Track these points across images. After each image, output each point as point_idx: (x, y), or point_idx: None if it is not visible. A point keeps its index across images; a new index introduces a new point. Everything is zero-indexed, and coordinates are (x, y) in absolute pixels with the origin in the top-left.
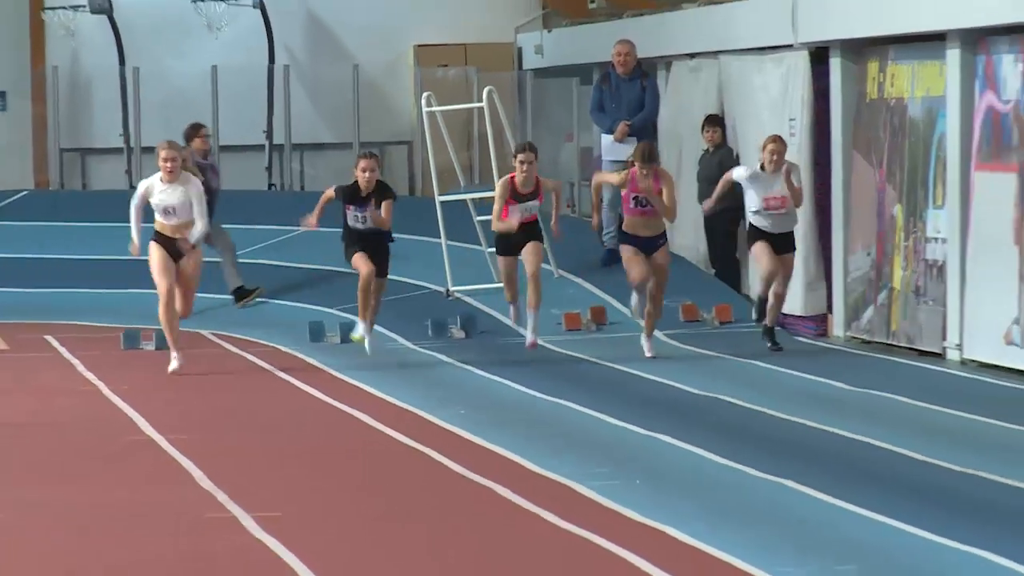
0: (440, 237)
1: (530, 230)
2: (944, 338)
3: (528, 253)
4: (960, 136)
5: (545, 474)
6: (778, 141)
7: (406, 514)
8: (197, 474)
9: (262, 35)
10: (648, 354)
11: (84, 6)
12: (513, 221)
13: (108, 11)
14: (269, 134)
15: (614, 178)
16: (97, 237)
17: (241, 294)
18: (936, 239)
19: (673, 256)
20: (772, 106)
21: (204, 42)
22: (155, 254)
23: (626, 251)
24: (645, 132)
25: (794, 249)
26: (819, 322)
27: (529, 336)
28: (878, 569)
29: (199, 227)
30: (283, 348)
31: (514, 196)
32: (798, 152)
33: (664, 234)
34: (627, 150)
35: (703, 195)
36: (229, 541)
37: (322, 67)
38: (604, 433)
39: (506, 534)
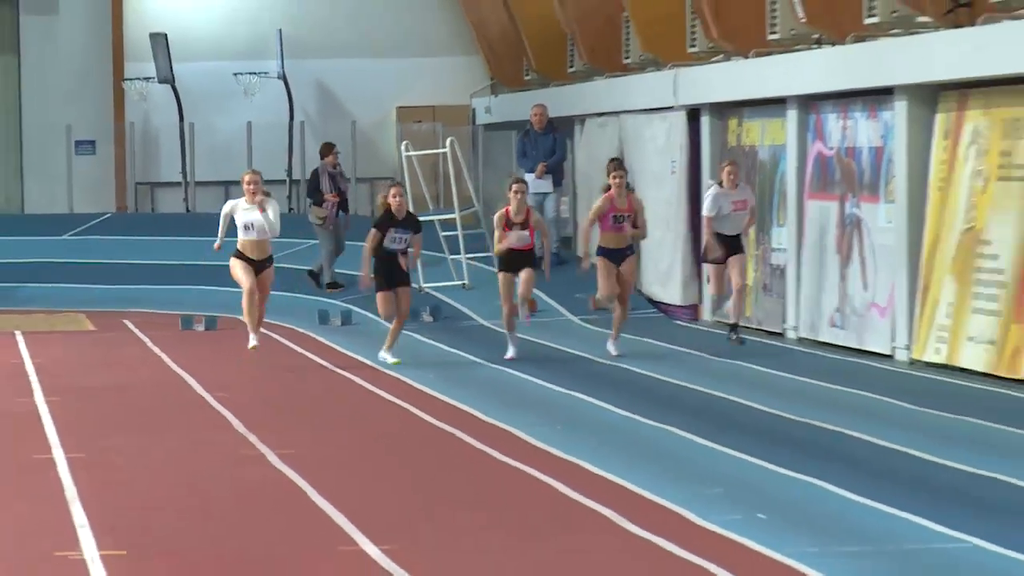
0: (418, 276)
1: (527, 258)
2: (784, 321)
3: (522, 280)
4: (796, 173)
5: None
6: (733, 163)
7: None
8: (235, 422)
9: (284, 99)
10: (614, 353)
11: (153, 77)
12: (512, 240)
13: (171, 81)
14: (289, 172)
15: (596, 205)
16: (162, 247)
17: (331, 285)
18: (779, 249)
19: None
20: (659, 152)
21: (242, 104)
22: (238, 264)
23: (602, 264)
24: (557, 171)
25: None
26: (692, 310)
27: (511, 351)
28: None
29: (276, 229)
30: (299, 329)
31: (508, 224)
32: (678, 187)
33: (631, 247)
34: (545, 185)
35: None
36: (257, 472)
37: (329, 123)
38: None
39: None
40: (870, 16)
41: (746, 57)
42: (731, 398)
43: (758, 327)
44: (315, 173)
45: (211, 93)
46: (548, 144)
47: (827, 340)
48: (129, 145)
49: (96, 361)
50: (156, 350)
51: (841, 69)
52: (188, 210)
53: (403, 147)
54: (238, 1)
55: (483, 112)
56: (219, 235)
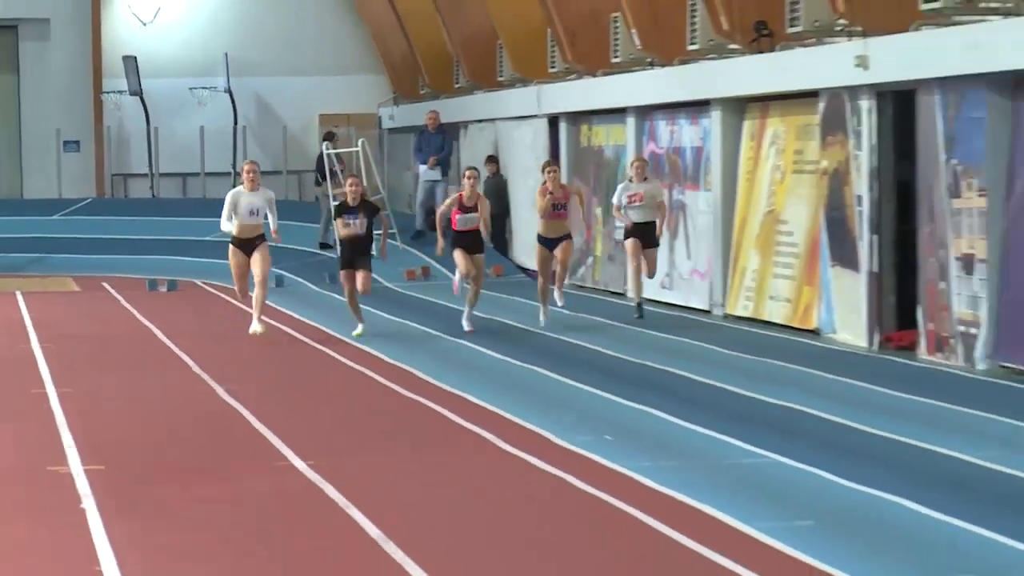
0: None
1: (475, 239)
2: (624, 284)
3: (474, 258)
4: (630, 153)
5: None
6: (640, 160)
7: (314, 383)
8: (191, 364)
9: (230, 109)
10: (560, 303)
11: (125, 91)
12: (461, 223)
13: (139, 94)
14: (233, 166)
15: (538, 198)
16: (132, 225)
17: (323, 245)
18: (618, 227)
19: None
20: (526, 151)
21: (196, 112)
22: (233, 259)
23: (540, 252)
24: (445, 163)
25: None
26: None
27: (467, 325)
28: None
29: (272, 221)
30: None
31: (461, 207)
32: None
33: (569, 235)
34: (436, 174)
35: (493, 202)
36: (209, 403)
37: (265, 128)
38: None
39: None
40: (692, 44)
41: (594, 76)
42: (583, 344)
43: (604, 288)
44: (320, 157)
45: (171, 103)
46: (438, 142)
47: (659, 299)
48: (106, 144)
49: (81, 315)
50: (128, 307)
51: (669, 85)
52: (153, 195)
53: (324, 147)
54: (192, 30)
55: (388, 119)
56: (227, 225)
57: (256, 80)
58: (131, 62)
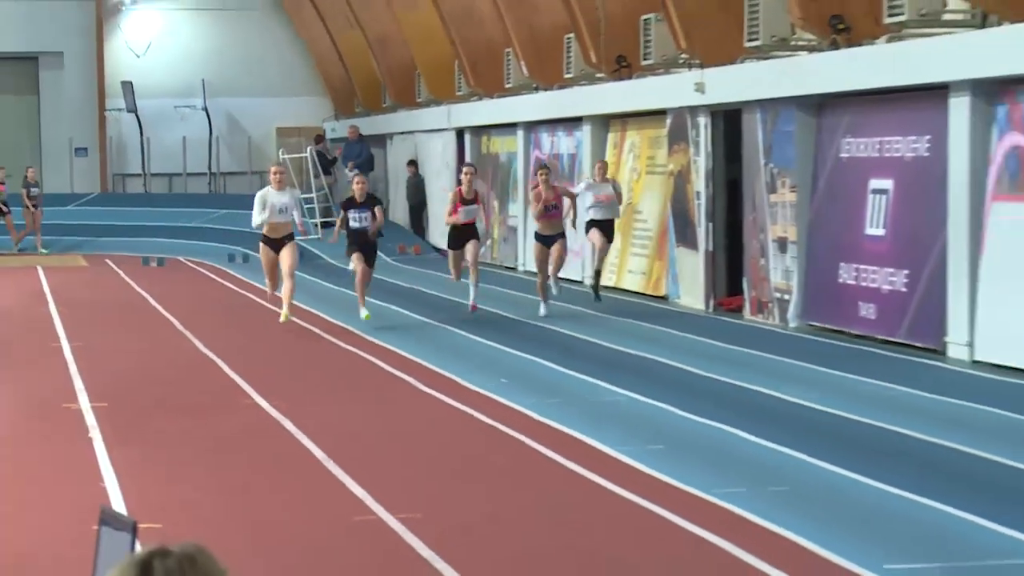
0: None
1: (471, 230)
2: (516, 260)
3: (470, 247)
4: (524, 168)
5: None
6: (602, 163)
7: (272, 338)
8: (175, 323)
9: (206, 123)
10: (555, 291)
11: (123, 108)
12: (460, 218)
13: (135, 111)
14: (209, 167)
15: (532, 201)
16: (128, 214)
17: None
18: (513, 216)
19: (393, 224)
20: (438, 157)
21: (179, 125)
22: (264, 255)
23: (536, 248)
24: (363, 166)
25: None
26: None
27: (471, 301)
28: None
29: (297, 217)
30: (214, 264)
31: (461, 201)
32: (451, 178)
33: (563, 233)
34: (354, 174)
35: (410, 198)
36: (189, 353)
37: (233, 137)
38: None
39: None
40: (567, 73)
41: (492, 98)
42: (491, 309)
43: (500, 264)
44: (320, 154)
45: (160, 118)
46: (357, 150)
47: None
48: (109, 150)
49: (88, 285)
50: (126, 278)
51: (550, 105)
52: (146, 191)
53: (280, 153)
54: (176, 61)
55: (330, 131)
56: (256, 214)
57: (226, 100)
58: (128, 86)
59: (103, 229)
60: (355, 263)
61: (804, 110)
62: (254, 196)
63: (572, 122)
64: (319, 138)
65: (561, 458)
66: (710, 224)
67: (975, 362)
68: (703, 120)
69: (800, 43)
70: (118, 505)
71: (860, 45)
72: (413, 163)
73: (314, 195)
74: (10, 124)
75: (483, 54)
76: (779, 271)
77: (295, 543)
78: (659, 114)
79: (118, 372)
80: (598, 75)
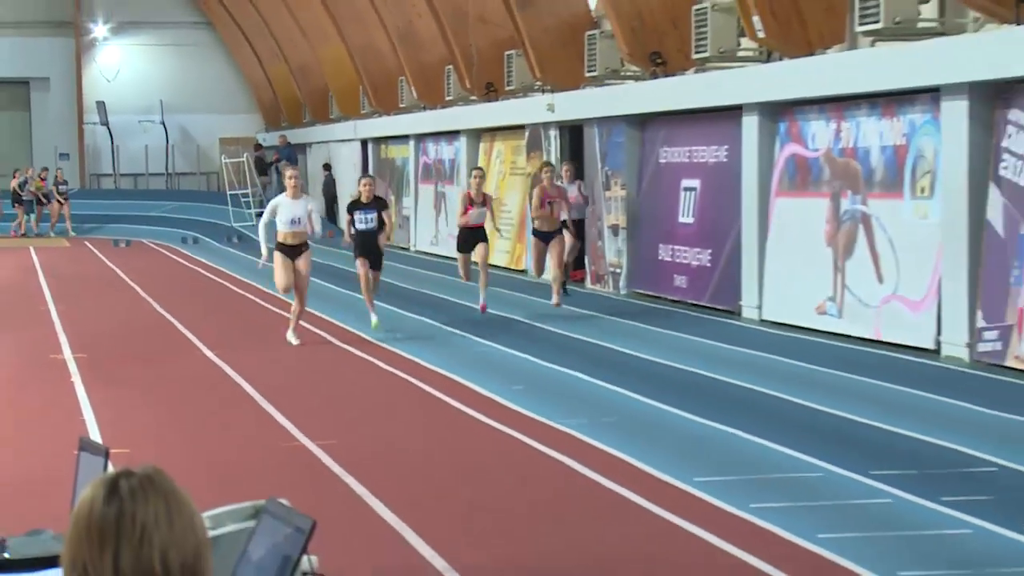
0: (230, 220)
1: (480, 233)
2: (408, 243)
3: (479, 249)
4: (414, 171)
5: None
6: (569, 164)
7: (218, 301)
8: (139, 291)
9: (163, 134)
10: (555, 304)
11: (98, 122)
12: (470, 220)
13: (107, 125)
14: (166, 171)
15: (534, 194)
16: (102, 206)
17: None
18: (407, 208)
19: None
20: (348, 163)
21: (142, 136)
22: (280, 262)
23: (535, 243)
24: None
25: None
26: None
27: (481, 302)
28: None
29: (317, 228)
30: (171, 245)
31: (471, 203)
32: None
33: (560, 228)
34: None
35: (324, 193)
36: (149, 315)
37: (186, 147)
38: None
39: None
40: (448, 96)
41: (388, 115)
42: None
43: (396, 245)
44: (259, 159)
45: (127, 131)
46: (288, 153)
47: (442, 253)
48: (87, 155)
49: (71, 262)
50: (101, 256)
51: (434, 121)
52: (116, 187)
53: (223, 159)
54: (139, 84)
55: (262, 140)
56: (263, 244)
57: (180, 116)
58: (101, 105)
59: (82, 218)
60: (359, 266)
61: (631, 126)
62: (205, 192)
63: (452, 134)
64: (258, 146)
65: (447, 397)
66: None
67: (763, 320)
68: (553, 133)
69: (628, 73)
70: (95, 435)
71: (674, 75)
72: (327, 166)
73: (249, 191)
74: (6, 135)
75: (382, 81)
76: (612, 250)
77: (237, 463)
78: (519, 128)
79: (94, 330)
80: (472, 98)
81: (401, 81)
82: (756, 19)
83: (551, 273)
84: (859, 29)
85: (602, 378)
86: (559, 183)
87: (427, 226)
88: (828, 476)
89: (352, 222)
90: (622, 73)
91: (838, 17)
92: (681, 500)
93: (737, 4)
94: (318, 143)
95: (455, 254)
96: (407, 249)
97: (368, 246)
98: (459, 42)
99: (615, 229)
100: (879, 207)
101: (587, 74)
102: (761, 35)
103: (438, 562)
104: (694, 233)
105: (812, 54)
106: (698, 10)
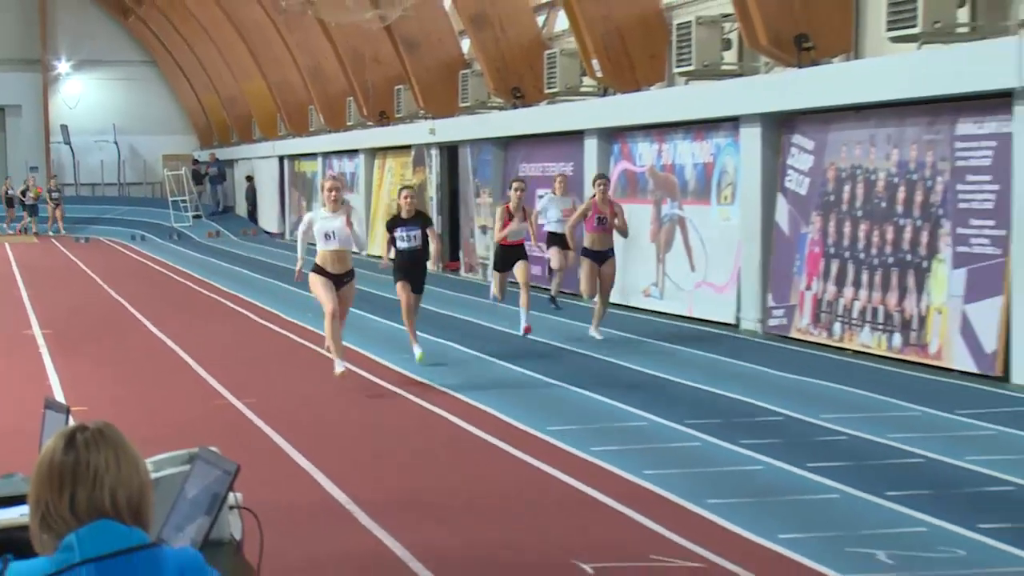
0: (171, 221)
1: (520, 251)
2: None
3: (519, 268)
4: (320, 176)
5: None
6: (562, 176)
7: (157, 284)
8: (96, 278)
9: (116, 152)
10: (598, 338)
11: (61, 141)
12: (510, 235)
13: (69, 144)
14: (118, 181)
15: (580, 211)
16: (66, 210)
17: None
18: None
19: (238, 216)
20: (268, 175)
21: (98, 153)
22: (318, 281)
23: (585, 264)
24: (219, 177)
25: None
26: (279, 235)
27: (524, 323)
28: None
29: (359, 240)
30: (121, 240)
31: (510, 216)
32: (279, 192)
33: (612, 249)
34: (216, 183)
35: (247, 201)
36: (103, 299)
37: (135, 162)
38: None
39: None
40: (349, 121)
41: (301, 136)
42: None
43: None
44: (195, 172)
45: (85, 149)
46: (217, 167)
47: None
48: (53, 168)
49: (40, 255)
50: (65, 251)
51: (337, 142)
52: (76, 195)
53: (165, 172)
54: (96, 110)
55: (198, 155)
56: (299, 257)
57: (129, 137)
58: (65, 128)
59: (46, 220)
60: (400, 291)
61: (496, 146)
62: (150, 198)
63: (352, 152)
64: (195, 161)
65: (354, 367)
66: (440, 218)
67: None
68: (434, 152)
69: (493, 104)
70: (58, 395)
71: (530, 106)
72: (250, 178)
73: (187, 197)
74: None
75: (295, 109)
76: (481, 245)
77: (175, 418)
78: (407, 148)
79: (59, 310)
80: (368, 123)
81: (311, 109)
82: (595, 62)
83: (585, 292)
84: (676, 71)
85: (468, 345)
86: (560, 195)
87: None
88: (652, 425)
89: (392, 241)
90: (489, 104)
91: (660, 61)
92: (536, 444)
93: (580, 50)
94: (243, 159)
95: (491, 273)
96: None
97: (410, 268)
98: (357, 78)
99: (483, 229)
100: (692, 211)
101: (461, 104)
102: (599, 75)
103: (341, 496)
104: (547, 233)
105: (639, 90)
106: (549, 54)
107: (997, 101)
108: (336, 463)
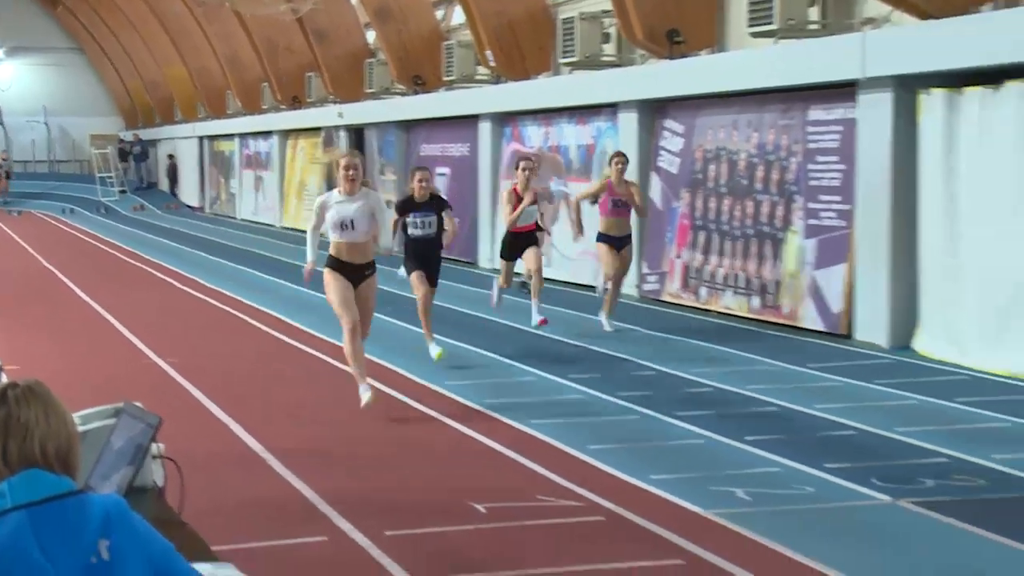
0: (99, 196)
1: (531, 238)
2: (234, 211)
3: (529, 255)
4: (239, 161)
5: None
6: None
7: (98, 263)
8: (31, 251)
9: (46, 131)
10: (607, 329)
11: None
12: (517, 220)
13: (2, 124)
14: (49, 157)
15: (593, 188)
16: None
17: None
18: (236, 189)
19: (160, 190)
20: (188, 154)
21: (31, 132)
22: (333, 284)
23: (602, 248)
24: (141, 155)
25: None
26: (200, 209)
27: (537, 317)
28: None
29: (381, 238)
30: (53, 214)
31: (519, 199)
32: (202, 173)
33: (630, 235)
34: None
35: (168, 177)
36: (42, 273)
37: (64, 140)
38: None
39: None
40: (264, 104)
41: (219, 119)
42: (230, 244)
43: (226, 216)
44: (120, 150)
45: (18, 128)
46: (141, 146)
47: (262, 220)
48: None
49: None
50: (26, 246)
51: (253, 124)
52: (8, 175)
53: (92, 150)
54: (28, 93)
55: (123, 136)
56: (309, 253)
57: (59, 118)
58: None
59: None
60: (416, 284)
61: (399, 128)
62: (79, 175)
63: (266, 134)
64: (120, 140)
65: (264, 327)
66: None
67: (494, 269)
68: (343, 133)
69: (396, 91)
70: None
71: (430, 92)
72: (172, 156)
73: (113, 174)
74: None
75: (214, 93)
76: (388, 219)
77: (102, 376)
78: (317, 130)
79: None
80: (281, 107)
81: (228, 94)
82: (488, 53)
83: (604, 279)
84: (562, 61)
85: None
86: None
87: (249, 200)
88: (539, 380)
89: (404, 227)
90: (392, 90)
91: (546, 52)
92: (435, 398)
93: (475, 42)
94: (166, 139)
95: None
96: (233, 217)
97: (426, 257)
98: (271, 65)
99: (389, 203)
100: (576, 187)
101: (367, 90)
102: (492, 64)
103: (256, 446)
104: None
105: (528, 78)
106: (447, 45)
107: (843, 90)
108: (252, 417)
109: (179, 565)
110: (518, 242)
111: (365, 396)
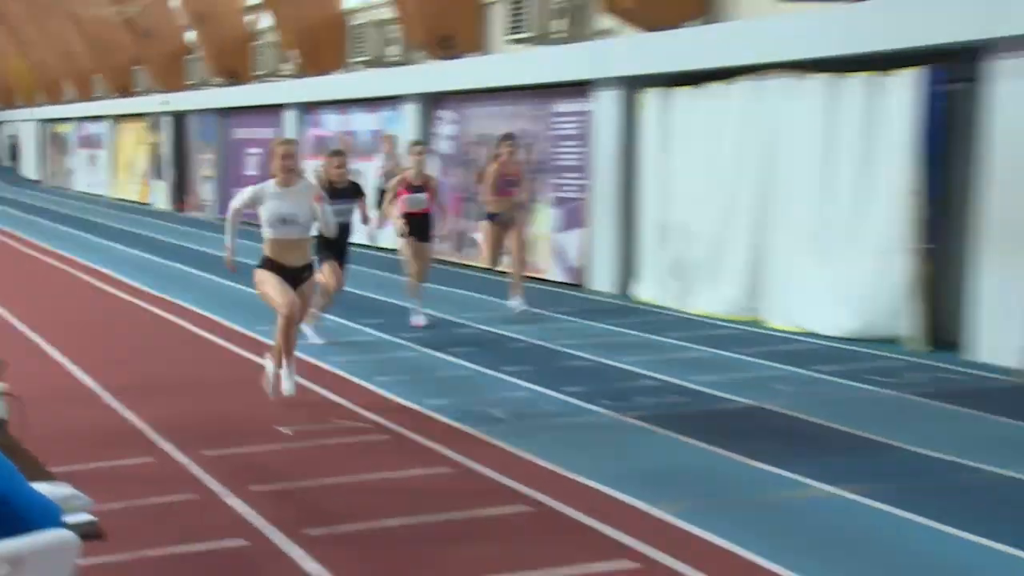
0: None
1: (423, 224)
2: (72, 186)
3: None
4: (75, 141)
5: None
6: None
7: (39, 279)
8: None
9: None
10: (517, 310)
11: None
12: (408, 204)
13: None
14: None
15: (489, 171)
16: None
17: None
18: (72, 166)
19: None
20: (29, 135)
21: (8, 128)
22: (269, 278)
23: (489, 229)
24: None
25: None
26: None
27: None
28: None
29: (329, 232)
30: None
31: (408, 187)
32: (36, 148)
33: (516, 215)
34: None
35: (10, 156)
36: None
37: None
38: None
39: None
40: (136, 87)
41: (58, 105)
42: (87, 217)
43: (89, 193)
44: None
45: None
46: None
47: (97, 192)
48: None
49: None
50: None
51: (86, 109)
52: None
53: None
54: None
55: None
56: (228, 243)
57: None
58: None
59: None
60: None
61: (216, 115)
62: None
63: (99, 118)
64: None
65: (118, 292)
66: (174, 169)
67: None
68: (167, 119)
69: (214, 83)
70: None
71: (243, 84)
72: (13, 136)
73: None
74: None
75: (51, 83)
76: (207, 189)
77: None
78: (144, 115)
79: None
80: (112, 95)
81: (65, 83)
82: (293, 52)
83: (513, 269)
84: (354, 60)
85: (197, 267)
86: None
87: (84, 176)
88: (421, 356)
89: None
90: (211, 83)
91: (341, 52)
92: (248, 341)
93: (281, 41)
94: (7, 122)
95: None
96: (69, 190)
97: (339, 245)
98: (103, 59)
99: (207, 178)
100: (364, 166)
101: (187, 82)
102: (296, 61)
103: (91, 383)
104: (256, 180)
105: (326, 73)
106: (259, 45)
107: (582, 88)
108: (87, 358)
109: (20, 487)
110: (415, 226)
111: (287, 388)
